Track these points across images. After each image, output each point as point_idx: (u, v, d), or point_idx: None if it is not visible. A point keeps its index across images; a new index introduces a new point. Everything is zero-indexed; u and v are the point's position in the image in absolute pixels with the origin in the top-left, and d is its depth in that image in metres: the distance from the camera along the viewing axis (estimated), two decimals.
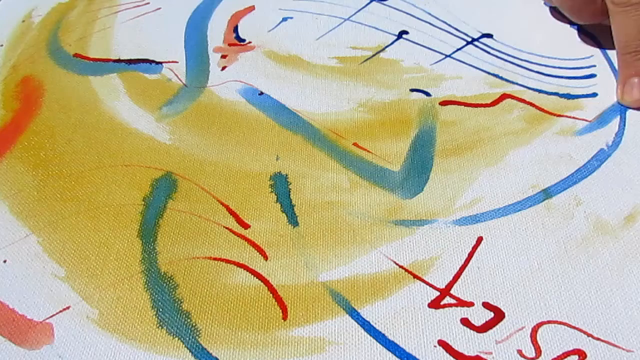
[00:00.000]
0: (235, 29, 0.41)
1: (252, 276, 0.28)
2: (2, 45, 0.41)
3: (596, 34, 0.39)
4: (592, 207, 0.30)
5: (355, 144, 0.34)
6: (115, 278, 0.28)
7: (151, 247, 0.30)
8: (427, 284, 0.28)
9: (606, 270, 0.28)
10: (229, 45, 0.40)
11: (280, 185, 0.32)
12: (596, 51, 0.39)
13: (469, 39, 0.40)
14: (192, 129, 0.35)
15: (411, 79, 0.37)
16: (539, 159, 0.33)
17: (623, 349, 0.25)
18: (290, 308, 0.27)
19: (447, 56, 0.39)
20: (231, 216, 0.31)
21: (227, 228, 0.30)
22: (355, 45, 0.40)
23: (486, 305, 0.27)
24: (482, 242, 0.29)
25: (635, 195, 0.31)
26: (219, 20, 0.42)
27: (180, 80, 0.38)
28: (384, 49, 0.39)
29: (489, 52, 0.39)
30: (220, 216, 0.31)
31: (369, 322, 0.27)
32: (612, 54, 0.38)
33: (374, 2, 0.43)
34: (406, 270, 0.28)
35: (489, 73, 0.37)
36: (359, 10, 0.42)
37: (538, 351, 0.26)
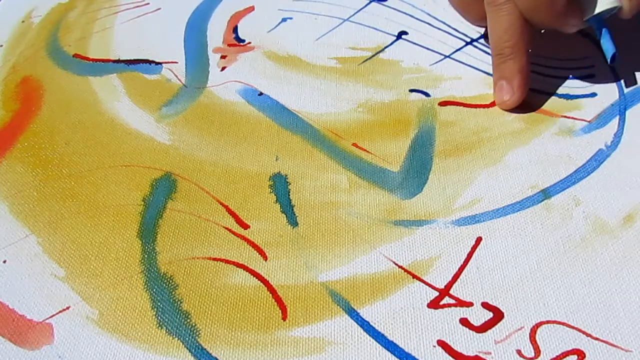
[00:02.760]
0: (235, 30, 0.41)
1: (252, 276, 0.28)
2: (1, 46, 0.41)
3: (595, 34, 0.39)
4: (591, 207, 0.30)
5: (354, 144, 0.34)
6: (115, 278, 0.28)
7: (151, 247, 0.30)
8: (427, 284, 0.28)
9: (605, 270, 0.28)
10: (229, 45, 0.40)
11: (280, 186, 0.32)
12: (595, 51, 0.39)
13: (469, 40, 0.40)
14: (192, 129, 0.35)
15: (410, 80, 0.37)
16: (538, 159, 0.33)
17: (622, 349, 0.25)
18: (290, 308, 0.27)
19: (446, 57, 0.39)
20: (230, 216, 0.31)
21: (226, 228, 0.30)
22: (354, 45, 0.40)
23: (485, 305, 0.27)
24: (481, 242, 0.29)
25: (634, 196, 0.31)
26: (219, 20, 0.42)
27: (180, 81, 0.38)
28: (383, 50, 0.39)
29: (488, 53, 0.39)
30: (220, 216, 0.31)
31: (368, 322, 0.27)
32: None
33: (373, 3, 0.43)
34: (405, 270, 0.28)
35: (488, 73, 0.37)
36: (358, 11, 0.42)
37: (537, 351, 0.26)
